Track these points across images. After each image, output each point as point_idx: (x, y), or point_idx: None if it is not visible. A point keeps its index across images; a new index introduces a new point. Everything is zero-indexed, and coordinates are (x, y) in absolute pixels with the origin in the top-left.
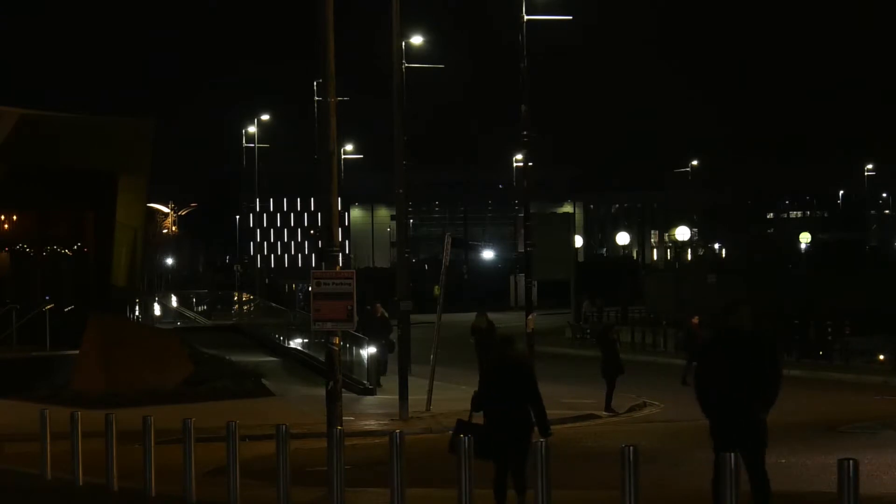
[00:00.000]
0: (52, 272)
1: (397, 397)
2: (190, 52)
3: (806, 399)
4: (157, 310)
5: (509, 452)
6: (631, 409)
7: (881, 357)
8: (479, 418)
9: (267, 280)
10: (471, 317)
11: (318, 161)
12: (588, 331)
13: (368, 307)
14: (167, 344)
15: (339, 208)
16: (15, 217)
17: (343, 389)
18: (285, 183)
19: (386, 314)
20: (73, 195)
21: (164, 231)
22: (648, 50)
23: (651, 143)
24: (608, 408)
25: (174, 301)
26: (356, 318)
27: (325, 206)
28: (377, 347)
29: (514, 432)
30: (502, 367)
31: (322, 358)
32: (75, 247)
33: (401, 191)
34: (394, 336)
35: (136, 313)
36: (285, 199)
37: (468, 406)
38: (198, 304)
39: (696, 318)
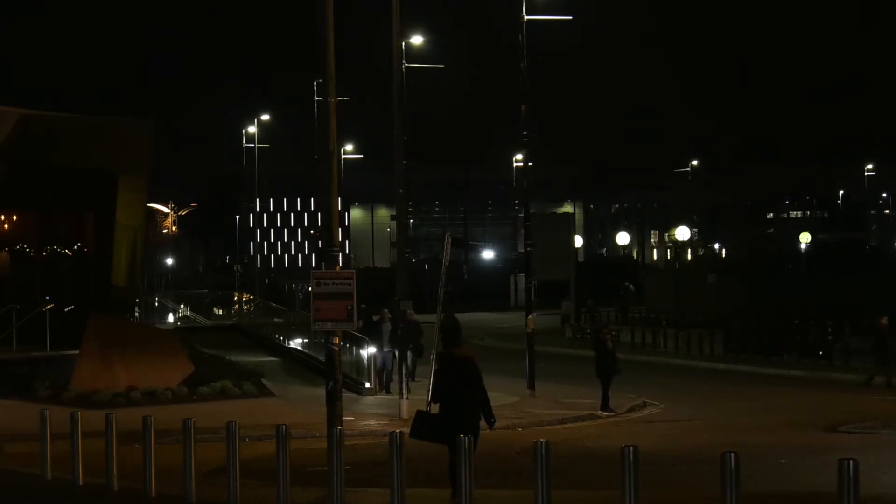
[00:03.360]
0: (52, 272)
1: (397, 397)
2: (190, 52)
3: (806, 399)
4: (157, 310)
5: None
6: (631, 409)
7: None
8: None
9: (267, 280)
10: (470, 317)
11: (318, 161)
12: (588, 331)
13: (376, 317)
14: (167, 344)
15: (339, 208)
16: (15, 217)
17: (343, 389)
18: (285, 183)
19: (416, 317)
20: (73, 195)
21: (164, 231)
22: (648, 50)
23: (651, 143)
24: (605, 407)
25: (174, 301)
26: (357, 318)
27: (325, 206)
28: (409, 353)
29: (464, 420)
30: (453, 363)
31: (322, 358)
32: (75, 247)
33: (401, 191)
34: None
35: (136, 313)
36: (285, 199)
37: None
38: (198, 304)
39: (885, 319)
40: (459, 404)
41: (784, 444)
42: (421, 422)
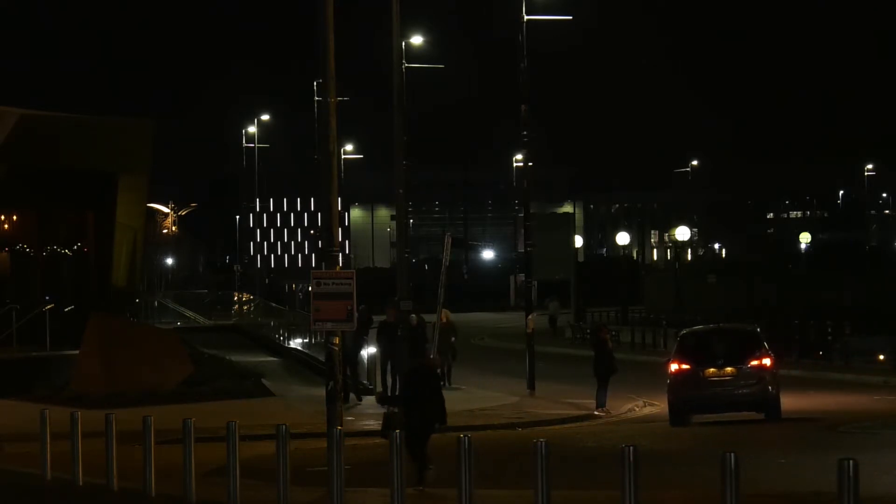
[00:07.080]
0: (52, 272)
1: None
2: (190, 53)
3: (806, 399)
4: (156, 310)
5: (420, 436)
6: (631, 409)
7: (881, 357)
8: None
9: (267, 280)
10: (471, 317)
11: (318, 161)
12: (588, 331)
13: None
14: (167, 344)
15: (339, 208)
16: (15, 217)
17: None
18: (285, 183)
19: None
20: (73, 195)
21: (164, 231)
22: (649, 50)
23: (651, 143)
24: (601, 406)
25: (174, 301)
26: (356, 319)
27: (325, 206)
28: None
29: (423, 422)
30: (416, 372)
31: (322, 358)
32: (75, 247)
33: (401, 191)
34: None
35: (136, 313)
36: (285, 199)
37: (466, 405)
38: (198, 304)
39: None
40: (422, 408)
41: (784, 444)
42: (389, 423)
